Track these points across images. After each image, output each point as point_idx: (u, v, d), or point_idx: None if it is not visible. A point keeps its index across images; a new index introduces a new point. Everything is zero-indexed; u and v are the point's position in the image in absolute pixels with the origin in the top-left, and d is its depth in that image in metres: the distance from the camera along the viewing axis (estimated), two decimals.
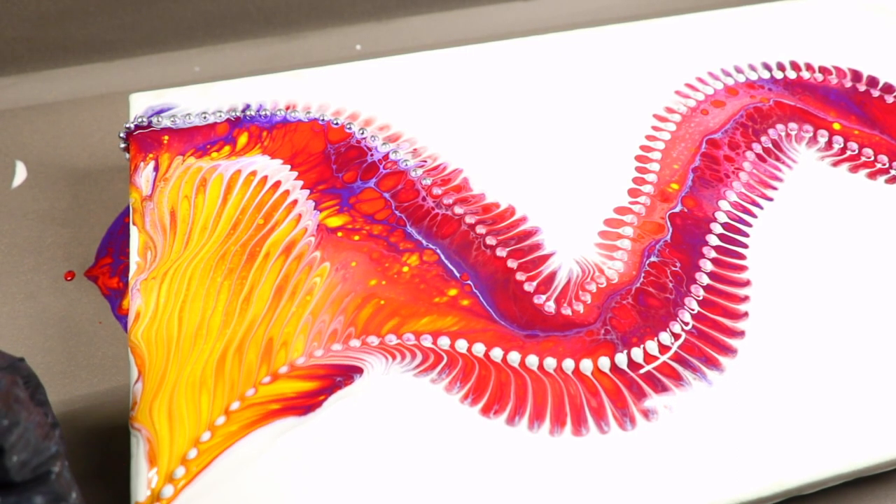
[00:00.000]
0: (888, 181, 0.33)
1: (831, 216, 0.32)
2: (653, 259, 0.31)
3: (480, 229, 0.31)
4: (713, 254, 0.31)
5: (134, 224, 0.30)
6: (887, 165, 0.34)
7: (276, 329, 0.28)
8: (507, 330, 0.28)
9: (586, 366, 0.28)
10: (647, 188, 0.32)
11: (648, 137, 0.34)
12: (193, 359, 0.27)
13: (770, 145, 0.34)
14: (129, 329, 0.28)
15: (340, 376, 0.27)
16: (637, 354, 0.28)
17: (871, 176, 0.34)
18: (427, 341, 0.28)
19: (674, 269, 0.30)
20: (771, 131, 0.35)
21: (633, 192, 0.32)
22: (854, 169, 0.34)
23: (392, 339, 0.27)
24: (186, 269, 0.29)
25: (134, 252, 0.29)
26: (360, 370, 0.27)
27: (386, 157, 0.33)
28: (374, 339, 0.27)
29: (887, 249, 0.31)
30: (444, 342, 0.28)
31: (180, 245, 0.30)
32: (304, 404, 0.26)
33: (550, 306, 0.29)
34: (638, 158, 0.33)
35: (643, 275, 0.30)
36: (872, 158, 0.34)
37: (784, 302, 0.30)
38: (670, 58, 0.37)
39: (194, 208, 0.31)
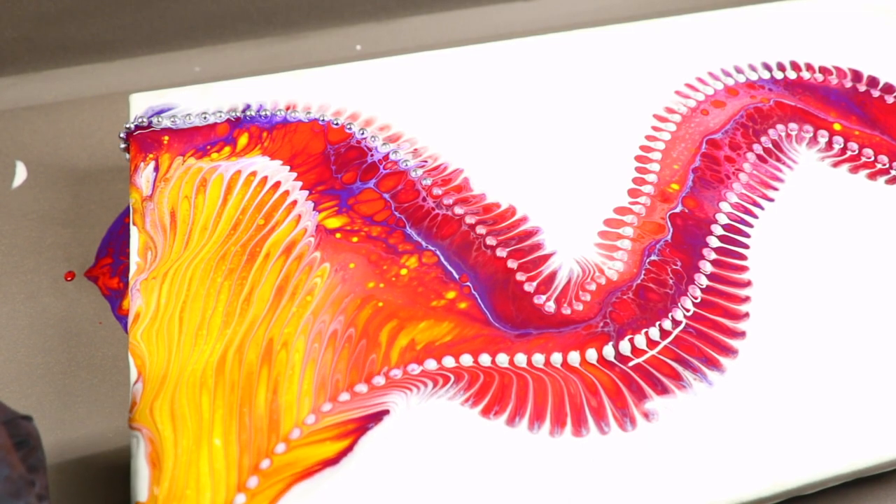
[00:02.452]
0: (888, 181, 0.33)
1: (832, 217, 0.32)
2: (653, 258, 0.31)
3: (481, 229, 0.31)
4: (714, 255, 0.31)
5: (134, 224, 0.30)
6: (887, 166, 0.34)
7: (277, 329, 0.28)
8: (499, 332, 0.28)
9: (574, 358, 0.28)
10: (648, 188, 0.32)
11: (648, 137, 0.34)
12: (194, 359, 0.27)
13: (770, 146, 0.34)
14: (129, 329, 0.28)
15: (372, 423, 0.26)
16: (625, 347, 0.28)
17: (872, 176, 0.34)
18: (431, 365, 0.27)
19: (674, 267, 0.30)
20: (771, 132, 0.35)
21: (633, 192, 0.32)
22: (854, 169, 0.34)
23: (414, 369, 0.27)
24: (187, 269, 0.29)
25: (134, 252, 0.29)
26: (387, 411, 0.27)
27: (386, 157, 0.33)
28: (397, 373, 0.27)
29: (888, 250, 0.31)
30: (449, 361, 0.27)
31: (180, 245, 0.30)
32: (340, 459, 0.26)
33: (550, 306, 0.29)
34: (638, 158, 0.33)
35: (644, 272, 0.30)
36: (873, 159, 0.34)
37: (785, 303, 0.30)
38: (670, 58, 0.37)
39: (194, 209, 0.31)
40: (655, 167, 0.33)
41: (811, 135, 0.35)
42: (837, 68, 0.37)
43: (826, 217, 0.32)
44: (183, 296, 0.29)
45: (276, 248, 0.30)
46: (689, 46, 0.38)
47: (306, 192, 0.31)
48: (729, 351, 0.28)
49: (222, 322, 0.28)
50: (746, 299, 0.30)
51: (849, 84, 0.36)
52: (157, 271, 0.29)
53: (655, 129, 0.34)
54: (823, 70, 0.37)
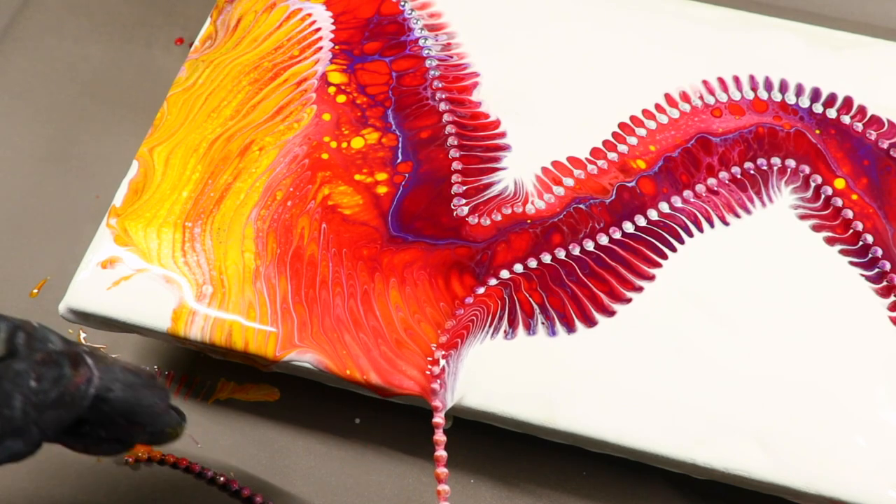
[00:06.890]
0: (841, 252, 0.33)
1: (767, 263, 0.32)
2: (581, 206, 0.33)
3: (451, 129, 0.35)
4: (632, 228, 0.33)
5: (210, 17, 0.38)
6: (858, 240, 0.33)
7: (261, 136, 0.35)
8: (382, 228, 0.33)
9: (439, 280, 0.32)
10: (613, 156, 0.35)
11: (646, 112, 0.35)
12: (198, 131, 0.36)
13: (756, 174, 0.34)
14: (170, 88, 0.37)
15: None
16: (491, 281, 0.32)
17: (829, 241, 0.33)
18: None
19: (595, 225, 0.33)
20: (761, 160, 0.34)
21: (595, 152, 0.35)
22: (817, 228, 0.33)
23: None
24: (228, 64, 0.37)
25: (197, 40, 0.38)
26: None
27: (416, 41, 0.37)
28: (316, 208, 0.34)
29: (798, 315, 0.32)
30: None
31: (232, 45, 0.38)
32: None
33: (463, 210, 0.33)
34: (622, 126, 0.35)
35: (564, 214, 0.33)
36: (850, 230, 0.33)
37: (671, 315, 0.31)
38: (726, 47, 0.37)
39: (255, 23, 0.38)
40: (633, 140, 0.35)
41: (802, 178, 0.34)
42: (891, 123, 0.35)
43: (762, 261, 0.32)
44: (215, 83, 0.37)
45: (293, 77, 0.37)
46: (750, 44, 0.37)
47: (332, 45, 0.37)
48: (588, 320, 0.32)
49: (231, 113, 0.36)
50: (639, 289, 0.32)
51: (886, 144, 0.34)
52: (206, 57, 0.37)
53: (658, 107, 0.36)
54: (872, 121, 0.35)
